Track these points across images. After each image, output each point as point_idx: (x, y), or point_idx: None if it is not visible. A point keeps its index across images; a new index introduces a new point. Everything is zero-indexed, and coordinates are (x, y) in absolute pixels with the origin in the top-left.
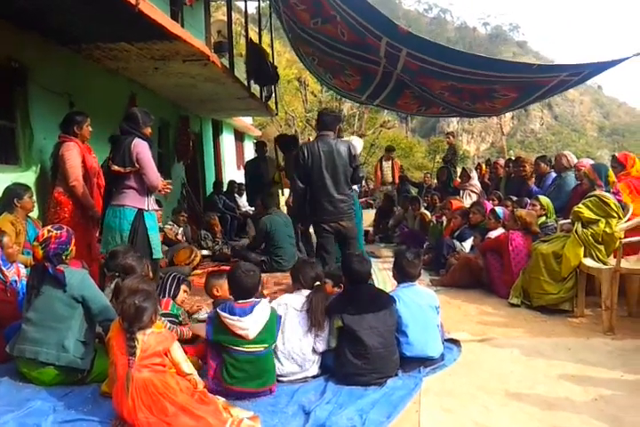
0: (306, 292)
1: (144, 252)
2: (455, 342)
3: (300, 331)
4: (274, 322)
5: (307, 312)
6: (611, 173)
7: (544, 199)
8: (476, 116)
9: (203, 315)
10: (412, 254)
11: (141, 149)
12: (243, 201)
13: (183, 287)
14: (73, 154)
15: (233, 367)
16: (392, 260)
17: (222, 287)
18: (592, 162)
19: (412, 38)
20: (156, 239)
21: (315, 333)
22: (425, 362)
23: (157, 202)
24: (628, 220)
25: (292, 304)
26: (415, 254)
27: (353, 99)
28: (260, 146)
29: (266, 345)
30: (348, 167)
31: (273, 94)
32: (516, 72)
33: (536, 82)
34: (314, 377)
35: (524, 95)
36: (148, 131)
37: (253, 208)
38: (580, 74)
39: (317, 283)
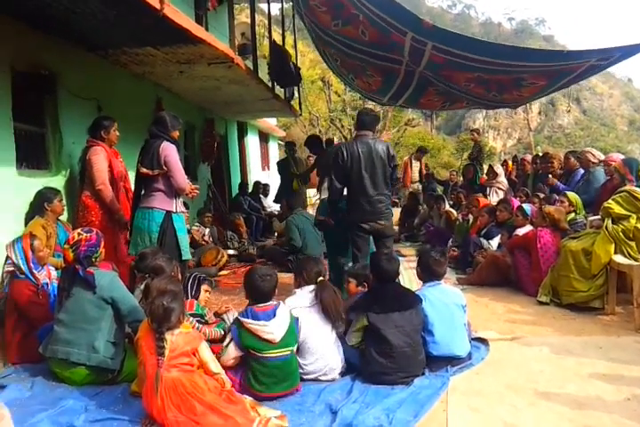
0: (310, 287)
1: (172, 253)
2: (483, 340)
3: (318, 326)
4: (293, 325)
5: (320, 309)
6: None
7: (572, 195)
8: (501, 106)
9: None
10: (437, 253)
11: (169, 151)
12: (268, 202)
13: (204, 287)
14: (100, 158)
15: (262, 374)
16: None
17: None
18: (622, 157)
19: (437, 32)
20: (184, 241)
21: (337, 327)
22: (452, 361)
23: (184, 204)
24: None
25: (301, 303)
26: (441, 253)
27: (376, 100)
28: (289, 146)
29: (291, 348)
30: (386, 167)
31: (295, 95)
32: (546, 61)
33: (565, 69)
34: (340, 374)
35: (553, 82)
36: (176, 134)
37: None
38: (609, 58)
39: (320, 278)
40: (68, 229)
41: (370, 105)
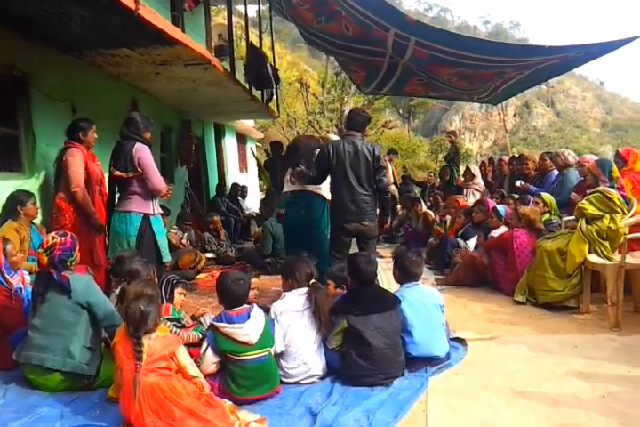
0: (301, 290)
1: (152, 256)
2: (461, 340)
3: (304, 331)
4: (269, 326)
5: (311, 312)
6: (614, 168)
7: (547, 196)
8: (483, 99)
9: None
10: (413, 254)
11: (143, 153)
12: (246, 204)
13: (178, 290)
14: (76, 160)
15: (240, 377)
16: None
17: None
18: (595, 158)
19: (420, 27)
20: (164, 243)
21: (323, 331)
22: (431, 361)
23: (165, 209)
24: (633, 215)
25: (290, 308)
26: (417, 253)
27: (360, 89)
28: (274, 146)
29: (269, 349)
30: (371, 168)
31: (274, 97)
32: (528, 56)
33: (543, 61)
34: (320, 378)
35: (531, 74)
36: (149, 135)
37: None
38: (589, 52)
39: (313, 280)
40: (43, 233)
41: (349, 106)
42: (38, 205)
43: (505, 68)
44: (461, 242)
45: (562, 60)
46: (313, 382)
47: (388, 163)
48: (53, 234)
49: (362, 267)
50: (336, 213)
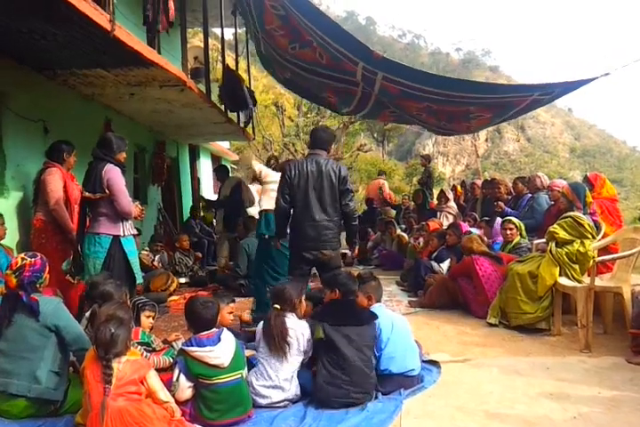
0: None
1: (123, 278)
2: (434, 363)
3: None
4: (239, 348)
5: (268, 337)
6: (588, 193)
7: (515, 220)
8: (453, 133)
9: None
10: (369, 277)
11: (113, 174)
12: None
13: (145, 314)
14: (54, 178)
15: (213, 401)
16: None
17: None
18: (565, 182)
19: (386, 62)
20: (136, 264)
21: (284, 357)
22: (405, 382)
23: (137, 229)
24: (601, 239)
25: None
26: (373, 277)
27: (337, 111)
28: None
29: (241, 371)
30: (336, 191)
31: (251, 119)
32: (490, 93)
33: (509, 102)
34: (293, 402)
35: (498, 114)
36: (123, 156)
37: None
38: (551, 93)
39: (275, 305)
40: (10, 254)
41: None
42: (7, 226)
43: (469, 104)
44: (435, 264)
45: (525, 101)
46: (286, 406)
47: (384, 182)
48: (22, 255)
49: (350, 285)
50: (294, 239)
